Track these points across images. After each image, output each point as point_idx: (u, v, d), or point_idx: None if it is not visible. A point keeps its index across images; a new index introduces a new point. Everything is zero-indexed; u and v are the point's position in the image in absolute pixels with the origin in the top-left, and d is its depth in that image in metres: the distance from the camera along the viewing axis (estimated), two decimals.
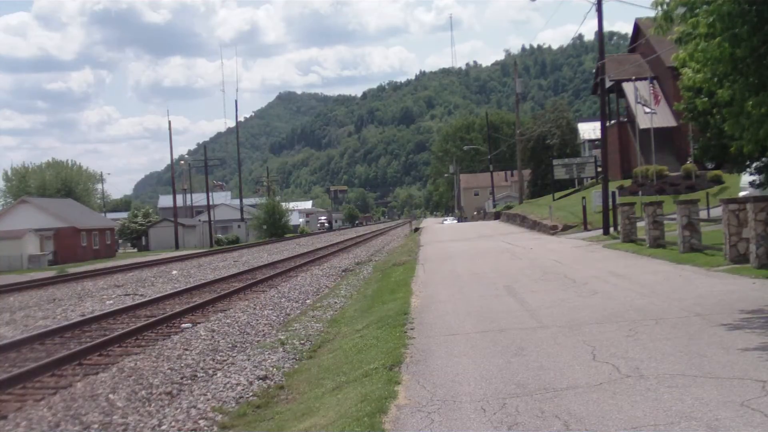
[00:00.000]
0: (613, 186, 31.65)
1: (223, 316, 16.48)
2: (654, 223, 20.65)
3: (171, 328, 15.31)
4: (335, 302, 17.56)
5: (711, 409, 5.42)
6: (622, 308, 10.41)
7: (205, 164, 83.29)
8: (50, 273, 39.54)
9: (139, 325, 15.48)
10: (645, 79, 39.20)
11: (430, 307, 12.36)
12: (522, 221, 43.47)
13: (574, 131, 67.59)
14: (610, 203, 27.65)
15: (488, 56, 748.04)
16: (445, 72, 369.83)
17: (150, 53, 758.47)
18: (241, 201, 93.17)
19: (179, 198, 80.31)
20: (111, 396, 9.69)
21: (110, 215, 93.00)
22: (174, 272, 32.96)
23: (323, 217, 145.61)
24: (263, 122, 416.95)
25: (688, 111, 21.24)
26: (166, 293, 21.67)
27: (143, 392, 9.84)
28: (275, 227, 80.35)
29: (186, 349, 12.52)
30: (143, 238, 79.30)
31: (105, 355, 12.73)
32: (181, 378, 10.59)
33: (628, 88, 41.97)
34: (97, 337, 14.64)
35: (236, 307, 17.83)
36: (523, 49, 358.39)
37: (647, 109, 36.36)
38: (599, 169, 39.31)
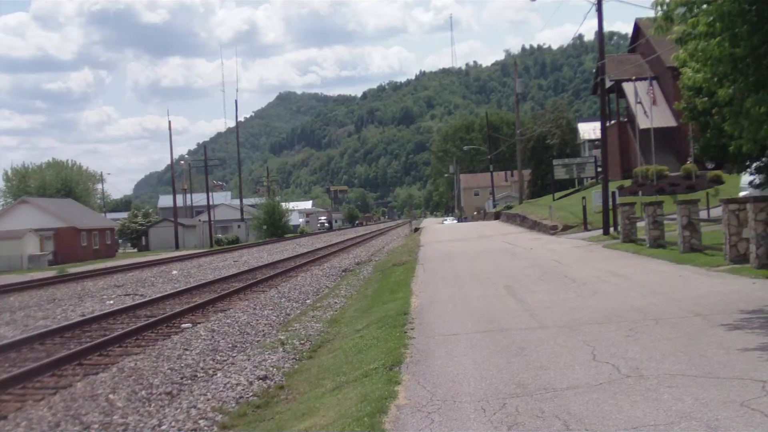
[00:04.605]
0: (613, 186, 31.66)
1: (223, 316, 16.47)
2: (654, 223, 20.65)
3: (171, 328, 15.30)
4: (335, 302, 17.56)
5: (711, 409, 5.42)
6: (622, 308, 10.41)
7: (205, 164, 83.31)
8: (50, 273, 39.53)
9: (139, 325, 15.47)
10: (645, 79, 39.24)
11: (430, 307, 12.36)
12: (522, 221, 43.47)
13: (574, 131, 67.59)
14: (610, 203, 27.64)
15: (488, 56, 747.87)
16: (445, 72, 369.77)
17: (149, 53, 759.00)
18: (241, 201, 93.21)
19: (179, 198, 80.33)
20: (111, 396, 9.69)
21: (110, 215, 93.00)
22: (174, 272, 32.95)
23: (323, 217, 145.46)
24: (263, 122, 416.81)
25: (688, 111, 21.25)
26: (166, 293, 21.66)
27: (143, 392, 9.84)
28: (275, 227, 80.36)
29: (186, 349, 12.52)
30: (143, 238, 79.30)
31: (105, 355, 12.72)
32: (181, 378, 10.59)
33: (628, 88, 41.98)
34: (97, 337, 14.63)
35: (236, 307, 17.82)
36: (523, 49, 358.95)
37: (646, 111, 36.43)
38: (599, 169, 39.31)
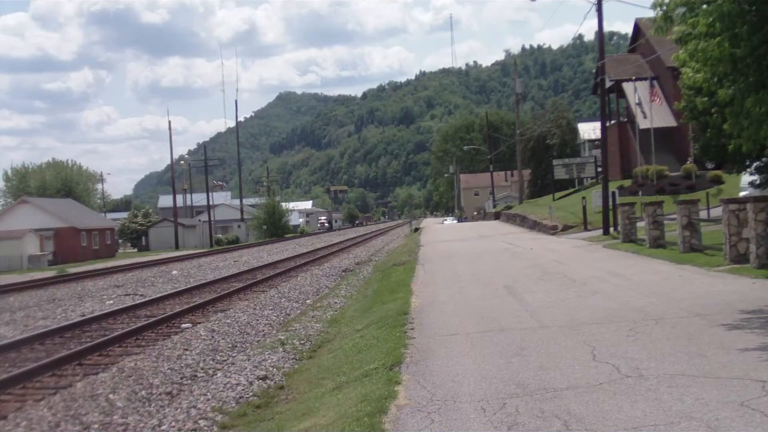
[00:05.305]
0: (613, 186, 31.66)
1: (223, 316, 16.48)
2: (654, 223, 20.64)
3: (171, 328, 15.31)
4: (335, 302, 17.56)
5: (711, 409, 5.42)
6: (622, 308, 10.41)
7: (205, 164, 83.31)
8: (50, 273, 39.54)
9: (139, 325, 15.48)
10: (645, 79, 39.24)
11: (430, 307, 12.36)
12: (522, 221, 43.47)
13: (574, 131, 67.61)
14: (610, 203, 27.64)
15: (487, 56, 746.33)
16: (445, 72, 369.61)
17: (149, 53, 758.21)
18: (241, 201, 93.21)
19: (179, 198, 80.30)
20: (111, 396, 9.69)
21: (110, 215, 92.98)
22: (174, 272, 32.96)
23: (323, 217, 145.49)
24: (263, 122, 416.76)
25: (688, 111, 21.25)
26: (166, 293, 21.66)
27: (143, 392, 9.84)
28: (275, 227, 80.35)
29: (186, 349, 12.52)
30: (143, 238, 79.29)
31: (105, 355, 12.72)
32: (181, 378, 10.59)
33: (628, 88, 41.98)
34: (97, 337, 14.63)
35: (236, 307, 17.83)
36: (523, 49, 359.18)
37: (646, 112, 36.43)
38: (599, 169, 39.31)
